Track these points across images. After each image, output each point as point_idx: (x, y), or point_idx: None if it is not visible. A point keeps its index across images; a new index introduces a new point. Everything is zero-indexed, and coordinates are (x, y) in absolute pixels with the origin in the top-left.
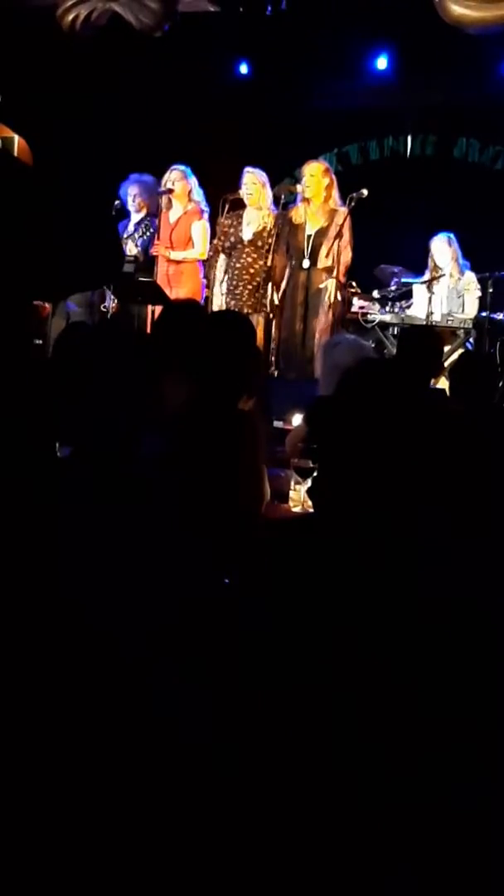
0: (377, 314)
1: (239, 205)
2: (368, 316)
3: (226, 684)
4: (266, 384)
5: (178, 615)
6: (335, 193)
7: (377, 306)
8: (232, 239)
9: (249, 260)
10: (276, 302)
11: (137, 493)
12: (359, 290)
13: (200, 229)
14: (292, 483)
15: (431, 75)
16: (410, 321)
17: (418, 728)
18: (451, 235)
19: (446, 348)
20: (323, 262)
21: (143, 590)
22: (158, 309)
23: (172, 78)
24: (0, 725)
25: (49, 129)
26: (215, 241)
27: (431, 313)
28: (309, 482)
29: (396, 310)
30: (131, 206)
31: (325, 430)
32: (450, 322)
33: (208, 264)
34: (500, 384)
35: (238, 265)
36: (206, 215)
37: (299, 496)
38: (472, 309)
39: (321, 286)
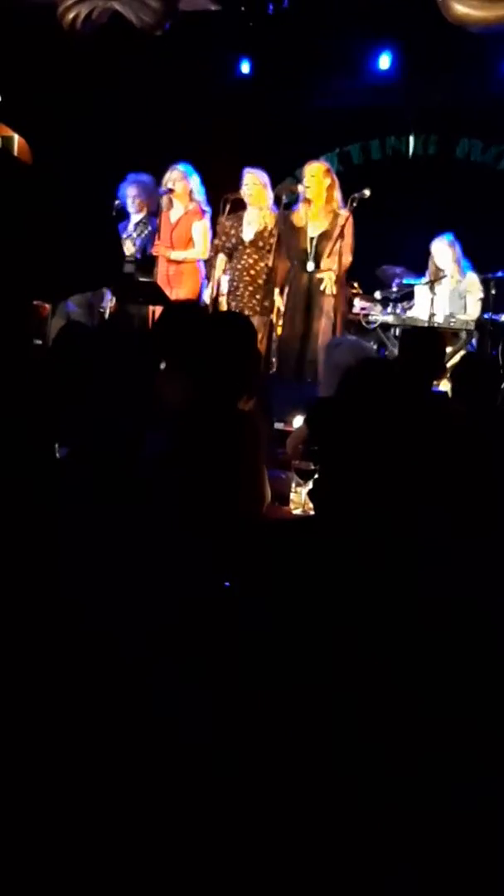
0: (379, 315)
1: (240, 205)
2: (370, 317)
3: (226, 684)
4: (267, 385)
5: (178, 615)
6: (337, 194)
7: (379, 307)
8: (233, 240)
9: (251, 261)
10: (279, 304)
11: (137, 493)
12: (360, 291)
13: (201, 229)
14: (293, 485)
15: (434, 75)
16: (412, 322)
17: (418, 728)
18: (452, 237)
19: (448, 350)
20: (326, 264)
21: (143, 590)
22: (159, 309)
23: (173, 77)
24: (1, 725)
25: (49, 128)
26: (216, 242)
27: (433, 314)
28: (310, 484)
29: (398, 311)
30: (131, 207)
31: (326, 431)
32: (452, 323)
33: (209, 265)
34: (502, 386)
35: (239, 266)
36: (207, 215)
37: (300, 498)
38: (474, 310)
39: (322, 287)
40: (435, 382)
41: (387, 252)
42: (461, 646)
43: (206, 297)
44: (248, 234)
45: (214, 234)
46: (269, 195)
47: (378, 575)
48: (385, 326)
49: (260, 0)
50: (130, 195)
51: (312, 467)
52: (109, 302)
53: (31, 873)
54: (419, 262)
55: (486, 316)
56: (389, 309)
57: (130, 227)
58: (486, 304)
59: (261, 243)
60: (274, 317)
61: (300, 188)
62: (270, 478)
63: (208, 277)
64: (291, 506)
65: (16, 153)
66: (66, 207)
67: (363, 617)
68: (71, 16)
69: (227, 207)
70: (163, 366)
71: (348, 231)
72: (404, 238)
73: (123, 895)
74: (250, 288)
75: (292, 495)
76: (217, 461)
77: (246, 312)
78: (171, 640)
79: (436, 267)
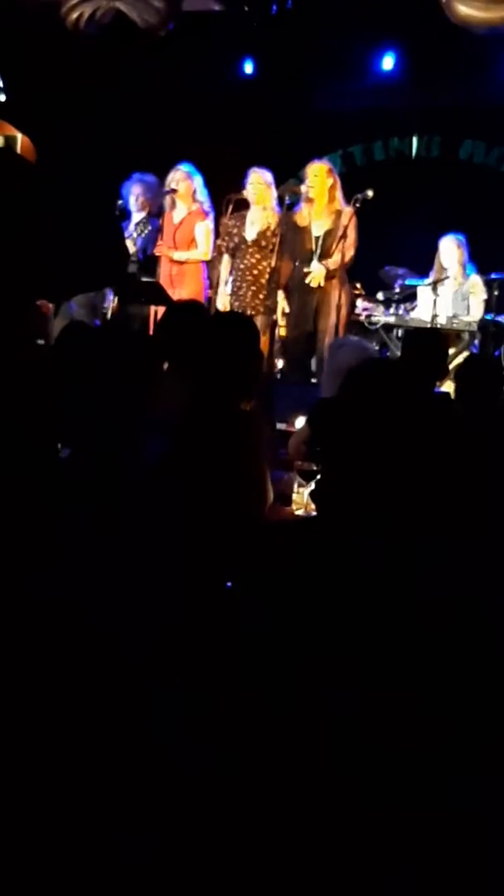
0: (381, 316)
1: (243, 205)
2: (373, 318)
3: (227, 685)
4: (269, 386)
5: (178, 616)
6: (339, 194)
7: (381, 308)
8: (236, 239)
9: (253, 261)
10: (282, 305)
11: (138, 494)
12: (363, 292)
13: (204, 230)
14: (295, 486)
15: (437, 76)
16: (415, 323)
17: (419, 728)
18: (462, 238)
19: (451, 351)
20: (332, 263)
21: (143, 591)
22: (161, 310)
23: (176, 77)
24: (1, 726)
25: (53, 128)
26: (219, 242)
27: (436, 315)
28: (312, 485)
29: (401, 312)
30: (133, 206)
31: (329, 432)
32: (455, 324)
33: (212, 265)
34: None
35: (242, 266)
36: (210, 216)
37: (302, 499)
38: (477, 311)
39: (307, 280)
40: (437, 383)
41: (390, 253)
42: (461, 646)
43: (216, 301)
44: (250, 234)
45: (217, 235)
46: (273, 195)
47: (379, 576)
48: (388, 327)
49: (264, 1)
50: (134, 193)
51: (314, 468)
52: (111, 302)
53: (30, 872)
54: (422, 264)
55: (488, 317)
56: (392, 310)
57: (131, 226)
58: (490, 306)
59: (263, 243)
60: (277, 317)
61: (303, 188)
62: (272, 478)
63: (210, 279)
64: (293, 506)
65: (19, 152)
66: (69, 206)
67: (364, 617)
68: (75, 15)
69: (231, 207)
70: (165, 366)
71: (352, 230)
72: (407, 239)
73: (123, 894)
74: (253, 288)
75: (294, 496)
76: (219, 462)
77: (248, 312)
78: (172, 641)
79: (440, 265)
